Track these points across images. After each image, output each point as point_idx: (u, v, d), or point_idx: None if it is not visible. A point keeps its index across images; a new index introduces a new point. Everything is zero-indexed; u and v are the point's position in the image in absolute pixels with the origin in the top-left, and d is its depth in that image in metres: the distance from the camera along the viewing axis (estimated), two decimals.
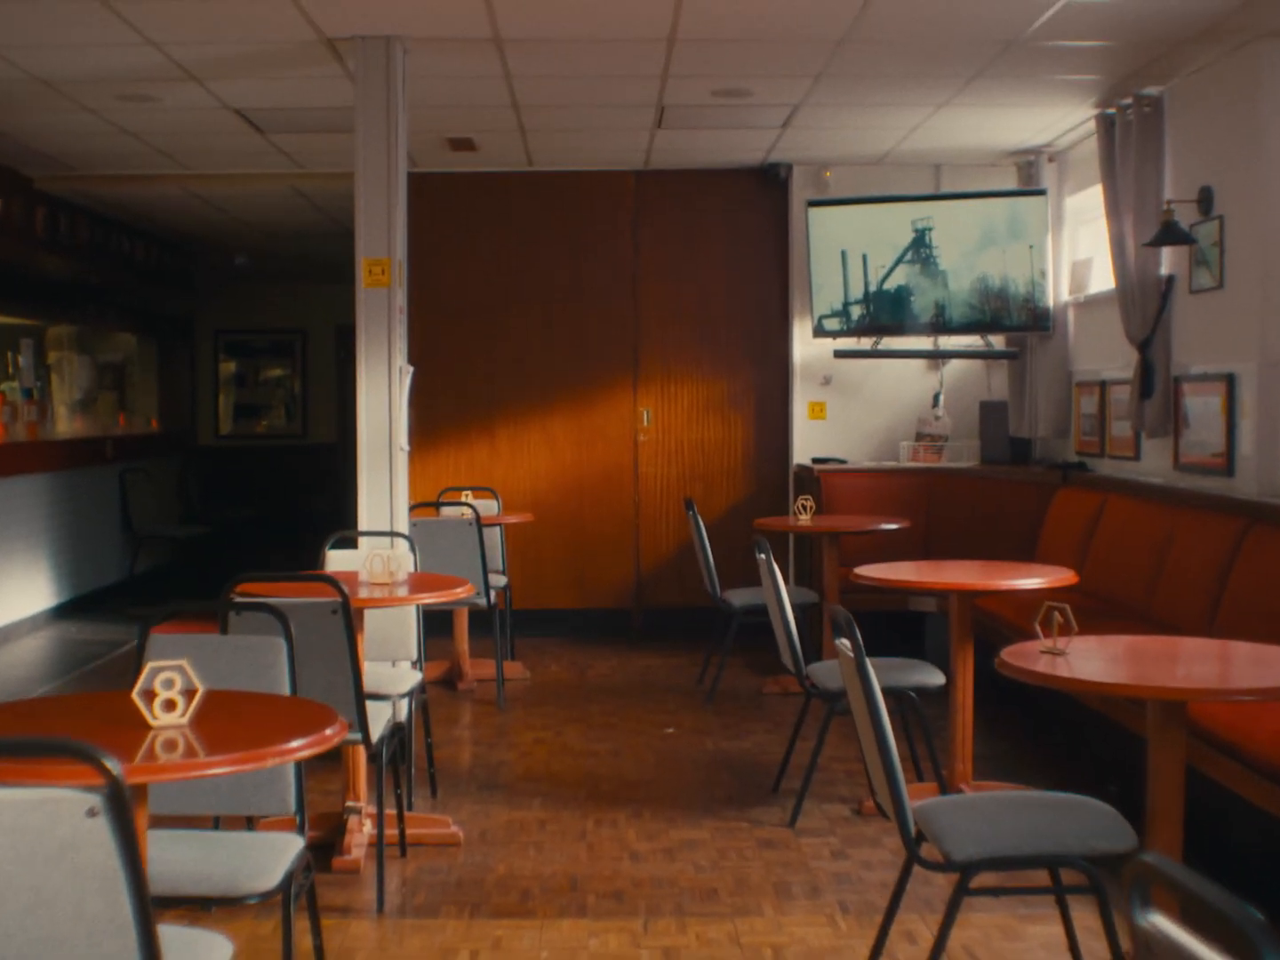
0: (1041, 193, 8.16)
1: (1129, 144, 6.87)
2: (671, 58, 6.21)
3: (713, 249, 9.15)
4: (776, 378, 9.12)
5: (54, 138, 7.92)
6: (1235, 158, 6.10)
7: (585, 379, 9.15)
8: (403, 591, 4.88)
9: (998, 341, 8.53)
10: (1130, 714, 4.80)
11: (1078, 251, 8.34)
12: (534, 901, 4.32)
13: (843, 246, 8.46)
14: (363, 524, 5.89)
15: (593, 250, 9.15)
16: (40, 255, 9.60)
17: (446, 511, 7.60)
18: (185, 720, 2.63)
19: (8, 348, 10.68)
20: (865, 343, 8.57)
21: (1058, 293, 8.19)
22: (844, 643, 3.24)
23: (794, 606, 5.23)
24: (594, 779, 5.68)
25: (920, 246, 8.36)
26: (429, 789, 5.45)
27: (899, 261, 8.40)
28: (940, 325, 8.41)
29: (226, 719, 2.71)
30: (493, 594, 7.18)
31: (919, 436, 8.71)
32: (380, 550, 4.92)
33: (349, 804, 4.75)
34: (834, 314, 8.52)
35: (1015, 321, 8.23)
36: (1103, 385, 7.60)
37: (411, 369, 6.05)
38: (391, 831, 4.72)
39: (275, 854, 3.08)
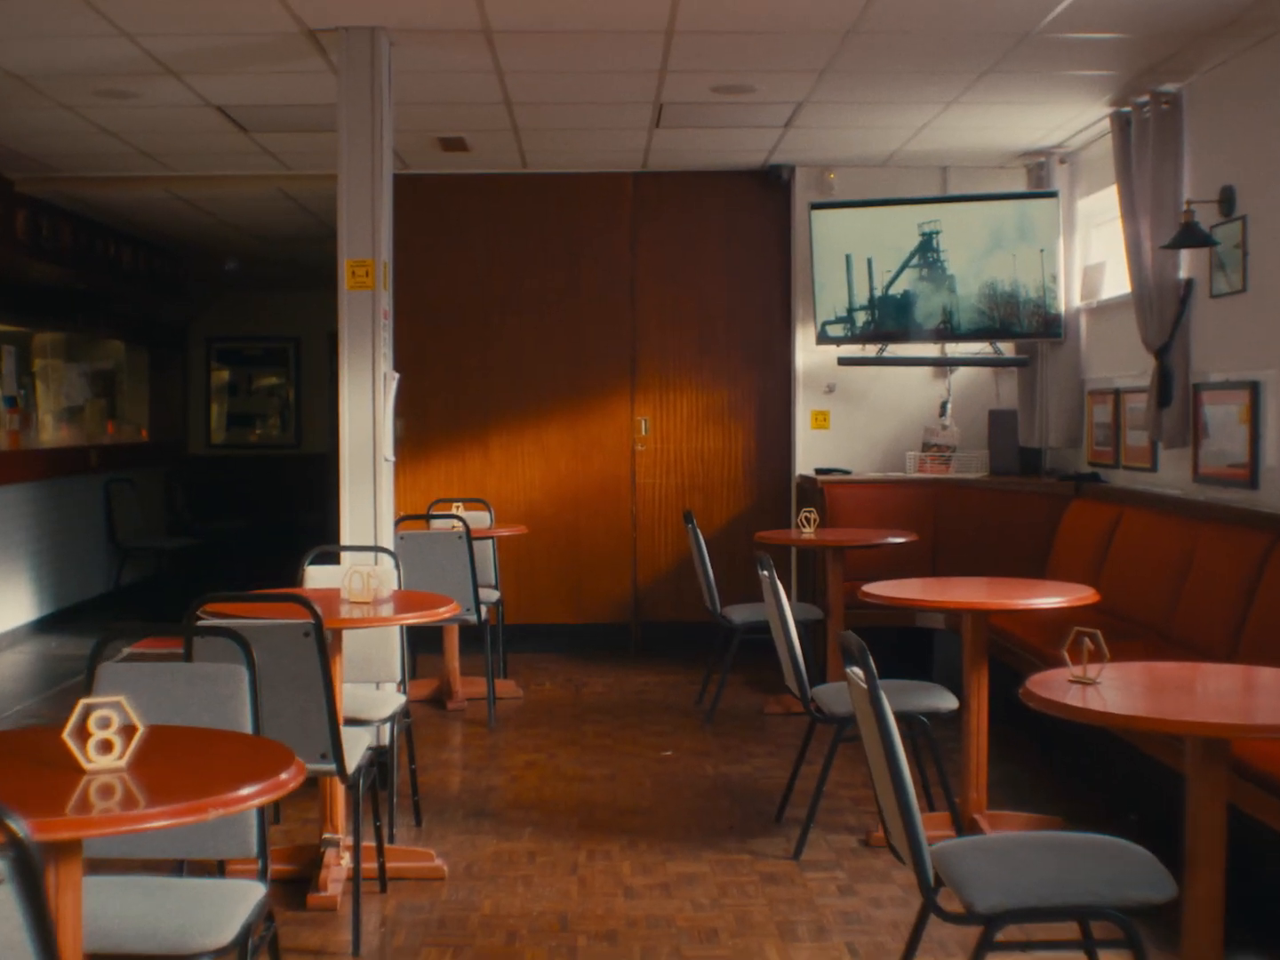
0: (1053, 195, 7.89)
1: (1146, 143, 6.61)
2: (670, 51, 5.95)
3: (713, 253, 8.89)
4: (778, 386, 8.85)
5: (32, 137, 7.65)
6: (1258, 156, 5.84)
7: (581, 387, 8.88)
8: (386, 610, 4.61)
9: (1007, 349, 8.25)
10: (1157, 742, 4.52)
11: (1089, 256, 8.07)
12: (521, 943, 4.04)
13: (847, 250, 8.20)
14: (345, 538, 5.62)
15: (589, 254, 8.88)
16: (22, 260, 9.33)
17: (437, 524, 7.33)
18: (123, 763, 2.35)
19: None
20: (870, 350, 8.30)
21: (1069, 298, 7.92)
22: (856, 671, 2.97)
23: (797, 624, 4.96)
24: (587, 806, 5.40)
25: (927, 250, 8.10)
26: (413, 817, 5.17)
27: (905, 266, 8.13)
28: (948, 332, 8.14)
29: (169, 761, 2.43)
30: (484, 610, 6.90)
31: (925, 447, 8.43)
32: (361, 567, 4.64)
33: (326, 836, 4.47)
34: (838, 320, 8.26)
35: (1025, 328, 7.96)
36: (1117, 394, 7.33)
37: (397, 376, 5.78)
38: (371, 865, 4.45)
39: (232, 904, 2.80)
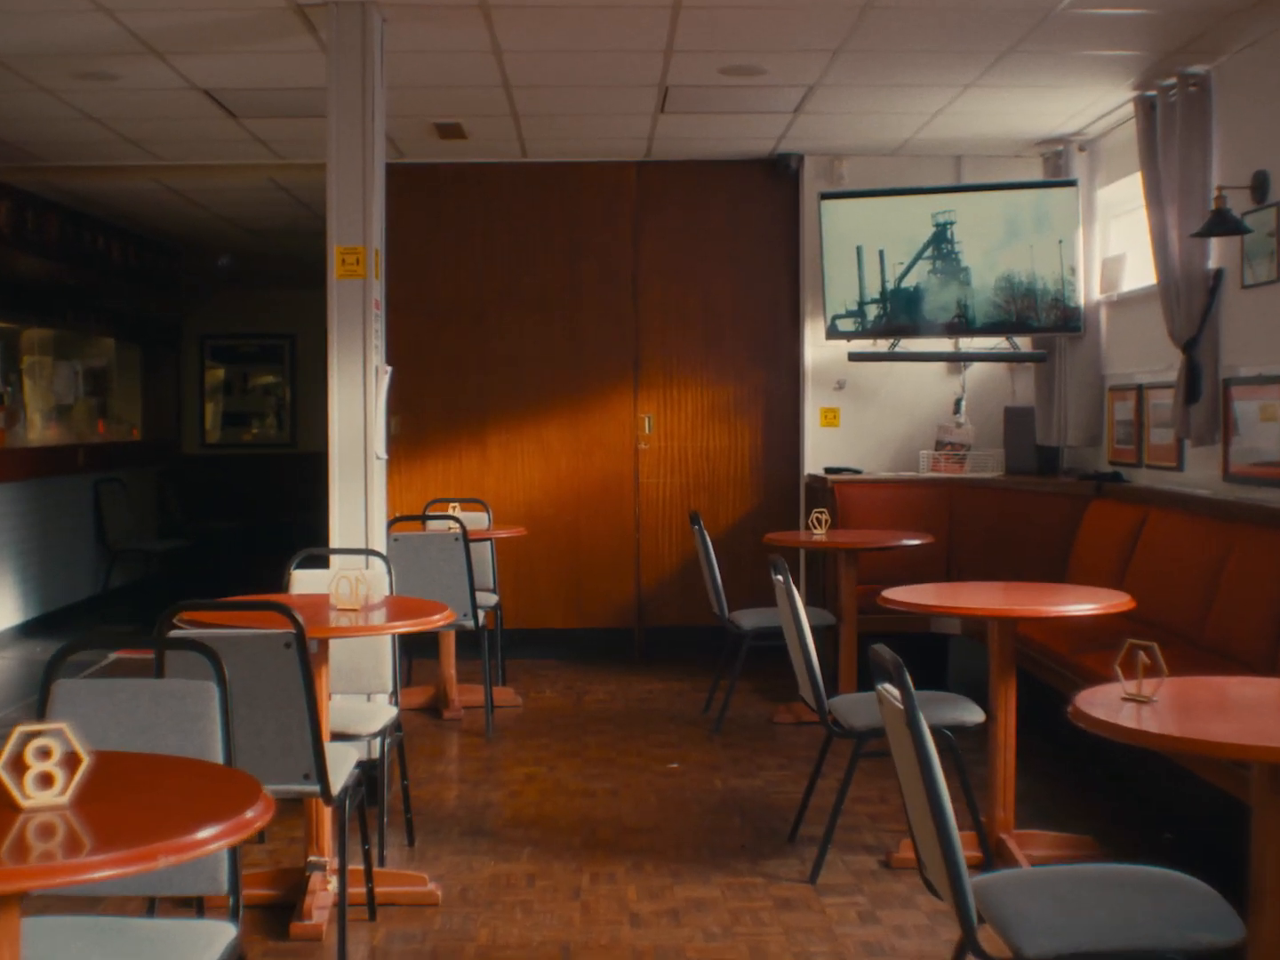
0: (1072, 184, 7.60)
1: (1172, 127, 6.32)
2: (676, 28, 5.66)
3: (719, 245, 8.60)
4: (787, 382, 8.57)
5: (12, 124, 7.36)
6: None
7: (582, 383, 8.59)
8: (376, 618, 4.33)
9: (1024, 343, 7.97)
10: (1208, 763, 4.22)
11: (1109, 248, 7.79)
12: None
13: (858, 242, 7.91)
14: (335, 541, 5.32)
15: (591, 246, 8.59)
16: (7, 253, 9.05)
17: (432, 525, 7.04)
18: (65, 799, 2.07)
19: None
20: (881, 345, 8.01)
21: (1089, 291, 7.63)
22: (890, 690, 2.68)
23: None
24: (590, 824, 5.11)
25: (941, 242, 7.81)
26: (406, 836, 4.88)
27: (918, 258, 7.85)
28: (962, 326, 7.85)
29: (118, 797, 2.14)
30: (481, 614, 6.61)
31: (939, 445, 8.15)
32: (349, 571, 4.36)
33: (311, 859, 4.18)
34: (848, 314, 7.97)
35: (1043, 322, 7.67)
36: (1140, 389, 7.05)
37: (390, 369, 5.50)
38: (359, 890, 4.16)
39: (198, 949, 2.52)
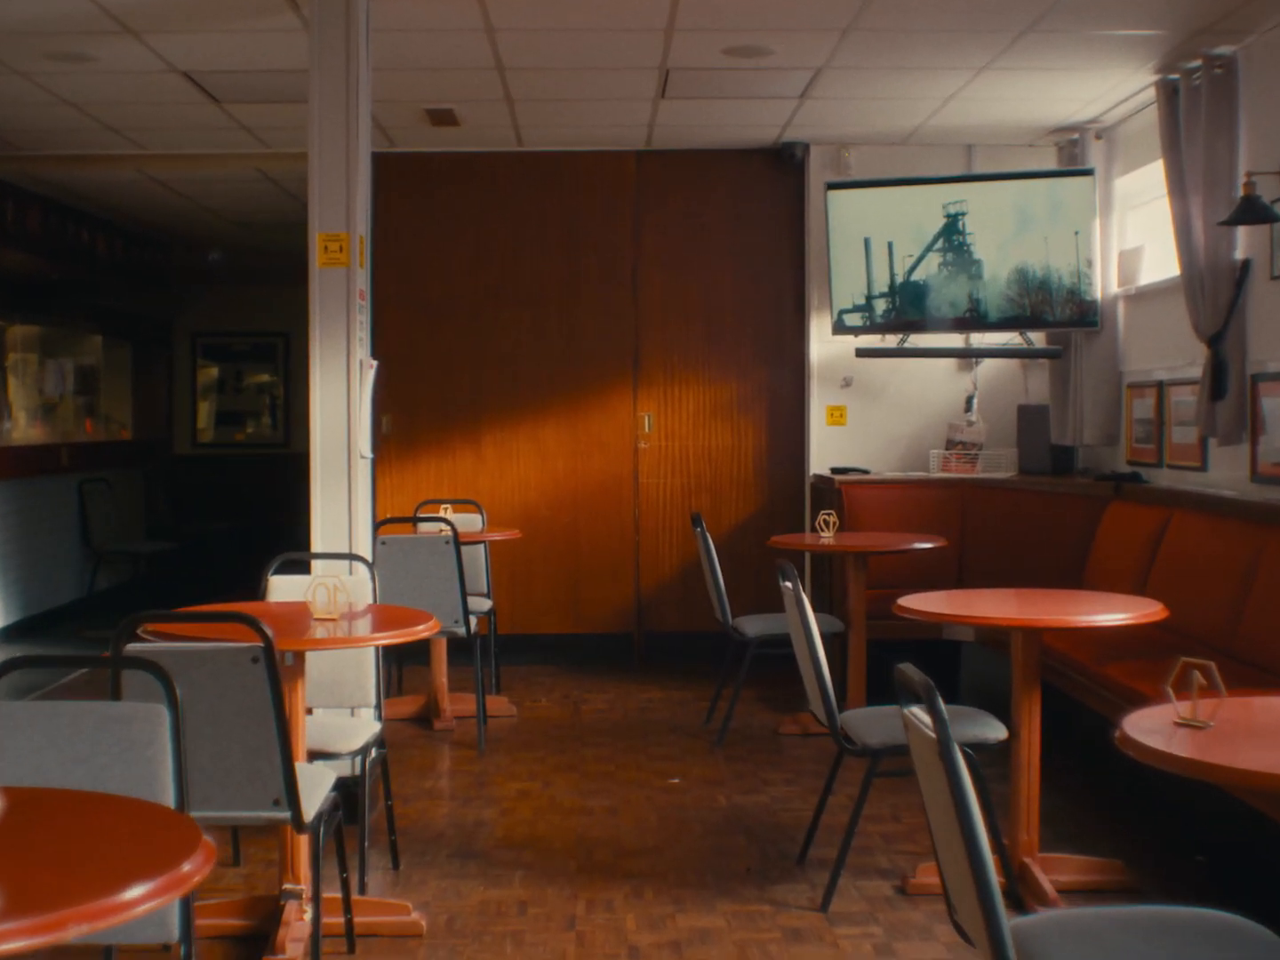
0: (1089, 172, 7.31)
1: (1197, 111, 6.05)
2: (678, 4, 5.37)
3: (721, 238, 8.30)
4: (791, 379, 8.27)
5: None
6: None
7: (580, 381, 8.29)
8: (359, 627, 4.04)
9: (1038, 339, 7.68)
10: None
11: (1125, 240, 7.50)
12: None
13: (866, 234, 7.62)
14: (317, 545, 5.03)
15: (589, 239, 8.30)
16: None
17: (424, 527, 6.75)
18: None
19: None
20: (890, 340, 7.72)
21: (1106, 284, 7.34)
22: (920, 715, 2.40)
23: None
24: (587, 845, 4.82)
25: (952, 233, 7.52)
26: (390, 859, 4.59)
27: (928, 250, 7.56)
28: (974, 321, 7.56)
29: (31, 846, 1.85)
30: (473, 621, 6.33)
31: (950, 444, 7.86)
32: (327, 578, 4.07)
33: (286, 887, 3.89)
34: (856, 309, 7.68)
35: (1059, 316, 7.38)
36: (1160, 386, 6.76)
37: (375, 363, 5.20)
38: (337, 920, 3.88)
39: None
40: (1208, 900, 3.56)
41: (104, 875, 1.73)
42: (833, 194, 7.69)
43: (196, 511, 13.40)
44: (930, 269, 7.57)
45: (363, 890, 4.29)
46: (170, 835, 1.89)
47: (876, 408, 8.08)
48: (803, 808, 5.18)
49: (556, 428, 8.27)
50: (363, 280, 5.11)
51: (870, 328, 7.69)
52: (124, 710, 2.56)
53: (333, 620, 3.91)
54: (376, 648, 4.34)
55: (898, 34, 5.82)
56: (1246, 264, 5.87)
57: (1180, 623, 5.50)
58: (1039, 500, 7.27)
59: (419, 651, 6.77)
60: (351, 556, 4.86)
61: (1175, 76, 6.24)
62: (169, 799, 2.49)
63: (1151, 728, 2.55)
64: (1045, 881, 4.16)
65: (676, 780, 5.64)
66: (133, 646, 3.22)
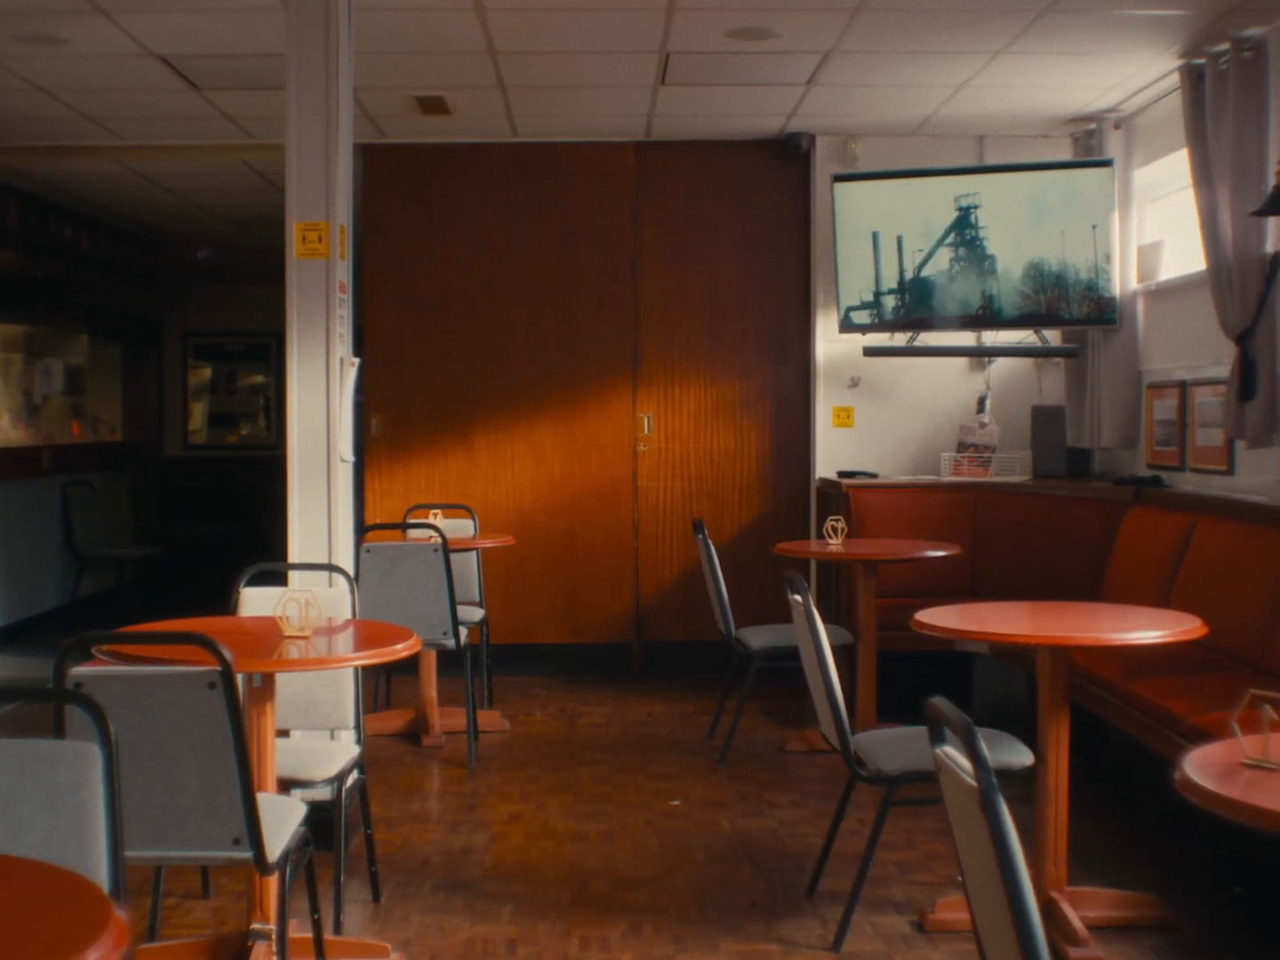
0: (1108, 164, 7.01)
1: (1225, 97, 5.75)
2: None
3: (724, 232, 8.00)
4: (796, 379, 7.97)
5: None
6: None
7: (578, 381, 7.99)
8: (340, 644, 3.75)
9: (1054, 337, 7.37)
10: None
11: (1145, 234, 7.20)
12: None
13: (874, 228, 7.32)
14: (294, 554, 4.73)
15: (587, 234, 8.00)
16: None
17: (413, 534, 6.45)
18: None
19: None
20: (899, 338, 7.42)
21: (1125, 280, 7.04)
22: (955, 757, 2.10)
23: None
24: (581, 875, 4.51)
25: (964, 227, 7.22)
26: (370, 891, 4.29)
27: (939, 244, 7.26)
28: (987, 318, 7.26)
29: None
30: (464, 631, 6.03)
31: (961, 447, 7.55)
32: (300, 592, 3.77)
33: (254, 927, 3.59)
34: (863, 306, 7.38)
35: (1075, 314, 7.08)
36: (1183, 386, 6.46)
37: (357, 361, 4.90)
38: None
39: None
40: (1245, 932, 3.26)
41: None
42: (840, 186, 7.39)
43: (187, 515, 13.10)
44: (941, 264, 7.27)
45: (338, 929, 3.98)
46: (74, 912, 1.59)
47: (885, 409, 7.78)
48: (811, 833, 4.89)
49: (553, 429, 7.97)
50: (343, 272, 4.81)
51: (878, 325, 7.39)
52: (50, 750, 2.25)
53: (305, 638, 3.61)
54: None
55: (910, 14, 5.52)
56: (1277, 257, 5.57)
57: (1209, 636, 5.20)
58: (1055, 505, 6.97)
59: (408, 664, 6.45)
60: (330, 568, 4.56)
61: (1201, 61, 5.94)
62: (100, 850, 2.19)
63: (1215, 771, 2.25)
64: (1074, 919, 3.86)
65: (677, 802, 5.34)
66: (77, 670, 2.93)
